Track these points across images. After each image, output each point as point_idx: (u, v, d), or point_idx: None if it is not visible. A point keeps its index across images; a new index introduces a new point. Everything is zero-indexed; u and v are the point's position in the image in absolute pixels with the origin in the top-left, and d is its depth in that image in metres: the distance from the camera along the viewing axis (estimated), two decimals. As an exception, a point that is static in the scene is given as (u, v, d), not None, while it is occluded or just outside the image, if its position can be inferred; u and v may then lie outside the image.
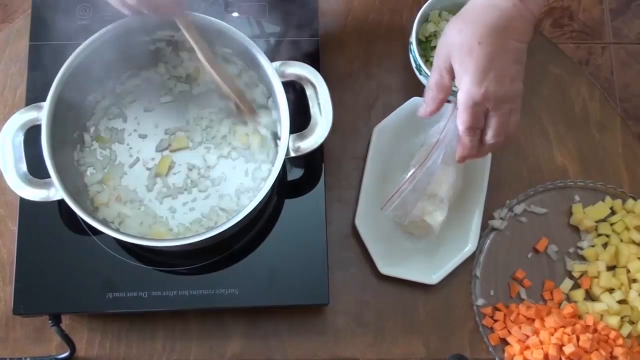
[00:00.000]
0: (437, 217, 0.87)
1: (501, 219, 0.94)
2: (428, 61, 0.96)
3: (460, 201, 0.91)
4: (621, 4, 1.87)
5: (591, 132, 0.99)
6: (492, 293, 0.92)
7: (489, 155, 0.92)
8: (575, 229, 0.95)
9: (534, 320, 0.89)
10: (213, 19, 0.84)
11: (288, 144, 0.81)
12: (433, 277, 0.90)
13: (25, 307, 0.84)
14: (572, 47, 1.81)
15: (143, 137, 0.90)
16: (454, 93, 0.76)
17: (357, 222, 0.91)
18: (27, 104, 0.85)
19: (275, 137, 0.89)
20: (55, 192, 0.79)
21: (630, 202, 0.95)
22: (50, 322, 0.85)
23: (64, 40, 0.86)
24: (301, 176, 0.91)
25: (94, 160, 0.89)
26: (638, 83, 1.79)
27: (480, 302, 0.91)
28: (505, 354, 0.89)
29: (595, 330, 0.87)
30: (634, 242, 0.93)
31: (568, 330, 0.86)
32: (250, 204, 0.78)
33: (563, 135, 0.98)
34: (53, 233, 0.87)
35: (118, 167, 0.89)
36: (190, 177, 0.89)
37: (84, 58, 0.82)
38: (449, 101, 0.80)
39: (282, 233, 0.88)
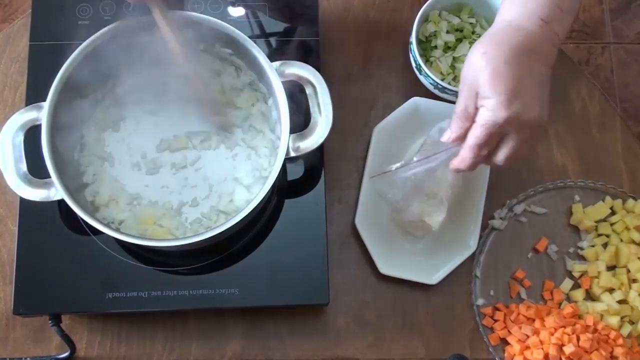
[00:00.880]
0: (436, 218, 0.87)
1: (501, 219, 0.94)
2: (428, 61, 0.96)
3: (460, 201, 0.91)
4: (621, 4, 1.87)
5: (591, 132, 0.99)
6: (492, 293, 0.92)
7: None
8: (575, 229, 0.95)
9: (534, 320, 0.89)
10: (213, 19, 0.84)
11: (288, 143, 0.81)
12: (433, 277, 0.90)
13: (25, 307, 0.84)
14: (572, 47, 1.81)
15: (143, 137, 0.90)
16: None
17: (357, 222, 0.91)
18: (27, 104, 0.85)
19: (275, 137, 0.89)
20: (55, 192, 0.79)
21: (630, 202, 0.95)
22: (50, 322, 0.85)
23: (64, 40, 0.86)
24: (301, 176, 0.91)
25: (94, 160, 0.89)
26: (638, 83, 1.79)
27: (480, 302, 0.91)
28: (505, 354, 0.89)
29: (595, 330, 0.87)
30: (634, 242, 0.93)
31: (568, 330, 0.86)
32: (250, 204, 0.78)
33: (563, 135, 0.98)
34: (53, 233, 0.87)
35: (118, 167, 0.89)
36: (190, 177, 0.89)
37: (84, 58, 0.82)
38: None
39: (282, 233, 0.88)
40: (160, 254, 0.87)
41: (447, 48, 0.96)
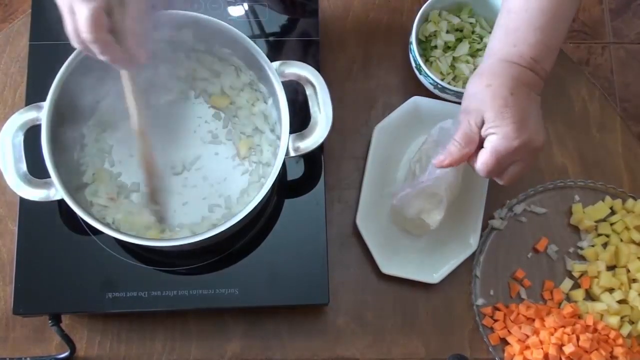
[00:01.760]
0: (434, 216, 0.87)
1: (501, 219, 0.94)
2: (428, 61, 0.96)
3: (460, 201, 0.91)
4: (621, 4, 1.86)
5: (591, 132, 0.99)
6: (492, 293, 0.92)
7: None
8: (575, 229, 0.95)
9: (534, 320, 0.89)
10: (213, 19, 0.84)
11: (288, 143, 0.81)
12: (434, 276, 0.90)
13: (25, 307, 0.84)
14: (572, 47, 1.81)
15: (143, 137, 0.90)
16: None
17: (358, 221, 0.91)
18: (27, 104, 0.85)
19: (275, 137, 0.89)
20: (55, 192, 0.79)
21: (630, 202, 0.95)
22: (50, 322, 0.85)
23: (64, 40, 0.86)
24: (301, 176, 0.91)
25: (94, 160, 0.89)
26: (638, 83, 1.79)
27: (480, 302, 0.91)
28: (505, 354, 0.89)
29: (595, 330, 0.87)
30: (634, 242, 0.93)
31: (568, 330, 0.86)
32: (250, 204, 0.78)
33: (563, 135, 0.98)
34: (53, 233, 0.87)
35: (118, 167, 0.89)
36: (189, 176, 0.89)
37: (84, 58, 0.82)
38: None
39: (282, 233, 0.88)
40: (160, 254, 0.87)
41: (447, 48, 0.96)
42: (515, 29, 0.76)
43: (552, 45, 0.77)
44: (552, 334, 0.86)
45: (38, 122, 0.81)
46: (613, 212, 0.95)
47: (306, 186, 0.90)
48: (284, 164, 0.82)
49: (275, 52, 0.94)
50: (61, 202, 0.79)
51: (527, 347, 0.87)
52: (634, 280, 0.92)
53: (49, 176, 0.79)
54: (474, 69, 0.94)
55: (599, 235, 0.94)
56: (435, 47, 0.96)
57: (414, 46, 0.92)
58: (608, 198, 0.95)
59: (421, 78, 0.95)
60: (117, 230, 0.83)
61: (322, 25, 0.96)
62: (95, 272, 0.86)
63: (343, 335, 0.90)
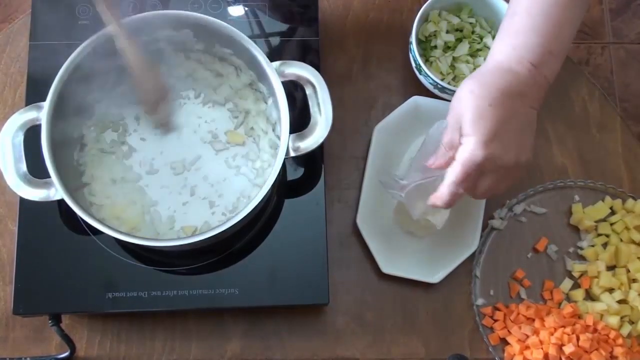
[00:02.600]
0: (440, 217, 0.86)
1: (501, 219, 0.94)
2: (428, 61, 0.96)
3: (460, 201, 0.91)
4: (621, 4, 1.86)
5: (591, 132, 0.99)
6: (492, 293, 0.92)
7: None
8: (575, 229, 0.95)
9: (533, 320, 0.89)
10: (213, 19, 0.84)
11: (288, 143, 0.81)
12: (434, 276, 0.90)
13: (25, 307, 0.84)
14: (572, 47, 1.80)
15: (143, 137, 0.90)
16: None
17: (359, 221, 0.91)
18: (27, 104, 0.85)
19: (275, 137, 0.89)
20: (55, 192, 0.79)
21: (630, 202, 0.95)
22: (50, 322, 0.85)
23: (64, 40, 0.86)
24: (301, 176, 0.91)
25: (94, 160, 0.89)
26: (638, 83, 1.79)
27: (480, 302, 0.91)
28: (505, 354, 0.89)
29: (595, 330, 0.87)
30: (634, 242, 0.93)
31: (568, 330, 0.86)
32: (250, 204, 0.78)
33: (563, 135, 0.98)
34: (53, 233, 0.87)
35: (118, 167, 0.89)
36: (189, 176, 0.89)
37: (84, 58, 0.82)
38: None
39: (282, 233, 0.88)
40: (160, 254, 0.87)
41: (447, 48, 0.96)
42: (517, 32, 0.74)
43: (555, 51, 0.74)
44: (552, 334, 0.86)
45: (38, 122, 0.81)
46: (613, 212, 0.95)
47: (306, 186, 0.90)
48: (284, 164, 0.82)
49: (275, 52, 0.94)
50: (61, 202, 0.79)
51: (527, 347, 0.87)
52: (634, 280, 0.92)
53: (49, 176, 0.79)
54: (474, 69, 0.95)
55: (599, 235, 0.94)
56: (435, 47, 0.96)
57: (414, 46, 0.92)
58: (608, 198, 0.96)
59: (421, 78, 0.95)
60: (117, 230, 0.83)
61: (322, 25, 0.96)
62: (95, 272, 0.86)
63: (343, 335, 0.90)
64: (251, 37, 0.85)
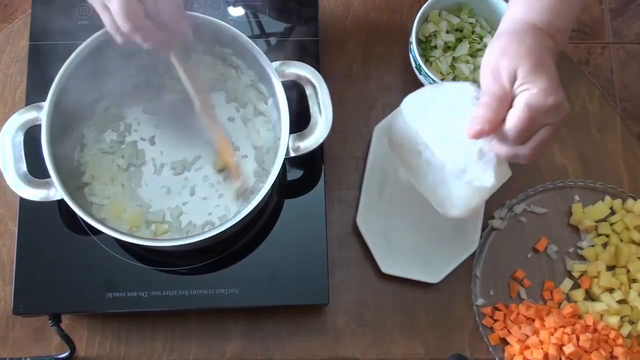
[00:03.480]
0: (489, 177, 0.76)
1: (501, 219, 0.94)
2: (428, 61, 0.96)
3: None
4: (621, 4, 1.86)
5: (591, 132, 0.99)
6: (492, 293, 0.92)
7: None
8: (575, 229, 0.95)
9: (533, 320, 0.89)
10: (213, 19, 0.84)
11: (288, 143, 0.81)
12: (435, 276, 0.90)
13: (25, 307, 0.84)
14: (571, 47, 1.81)
15: (143, 137, 0.90)
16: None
17: (359, 221, 0.91)
18: (27, 104, 0.85)
19: (275, 137, 0.89)
20: (55, 192, 0.79)
21: (630, 202, 0.95)
22: (50, 322, 0.85)
23: (64, 40, 0.86)
24: (301, 176, 0.91)
25: (94, 160, 0.89)
26: (638, 83, 1.79)
27: (480, 302, 0.91)
28: (505, 354, 0.89)
29: (595, 330, 0.87)
30: (634, 242, 0.93)
31: (568, 330, 0.86)
32: (250, 204, 0.78)
33: (563, 135, 0.98)
34: (53, 233, 0.87)
35: (118, 167, 0.89)
36: (189, 176, 0.89)
37: (84, 58, 0.82)
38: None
39: (282, 233, 0.88)
40: (160, 254, 0.87)
41: (447, 48, 0.96)
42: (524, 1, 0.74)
43: (569, 21, 0.76)
44: (552, 334, 0.86)
45: (38, 122, 0.81)
46: (613, 212, 0.95)
47: (306, 186, 0.90)
48: (284, 164, 0.82)
49: (275, 52, 0.94)
50: (61, 202, 0.79)
51: (527, 347, 0.87)
52: (634, 280, 0.92)
53: (49, 176, 0.79)
54: (474, 69, 0.94)
55: (599, 235, 0.94)
56: (435, 47, 0.96)
57: (413, 46, 0.92)
58: (608, 198, 0.96)
59: (421, 78, 0.95)
60: (117, 230, 0.83)
61: (322, 25, 0.96)
62: (95, 272, 0.86)
63: (343, 335, 0.90)
64: (251, 37, 0.85)
